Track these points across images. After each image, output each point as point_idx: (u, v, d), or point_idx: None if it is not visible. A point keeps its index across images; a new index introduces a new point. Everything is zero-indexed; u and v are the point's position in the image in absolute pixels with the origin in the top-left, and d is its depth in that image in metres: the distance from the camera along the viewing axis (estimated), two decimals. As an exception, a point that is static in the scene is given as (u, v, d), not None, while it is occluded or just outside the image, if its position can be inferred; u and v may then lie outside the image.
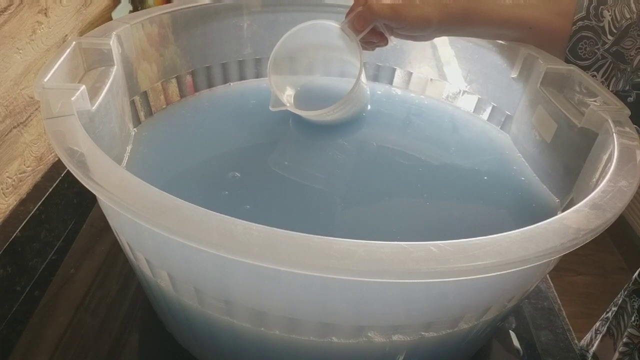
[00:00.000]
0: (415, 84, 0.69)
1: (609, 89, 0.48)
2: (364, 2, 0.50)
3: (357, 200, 0.49)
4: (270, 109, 0.55)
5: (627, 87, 0.49)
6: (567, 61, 0.50)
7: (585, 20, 0.47)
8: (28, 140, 0.59)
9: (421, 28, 0.49)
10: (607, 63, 0.47)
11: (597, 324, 0.62)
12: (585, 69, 0.49)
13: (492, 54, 0.60)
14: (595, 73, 0.48)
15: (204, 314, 0.36)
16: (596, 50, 0.47)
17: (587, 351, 0.61)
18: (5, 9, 0.53)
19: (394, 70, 0.70)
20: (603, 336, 0.59)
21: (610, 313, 0.59)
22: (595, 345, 0.59)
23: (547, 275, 0.55)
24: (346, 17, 0.52)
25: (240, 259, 0.27)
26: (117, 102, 0.48)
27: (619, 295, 0.60)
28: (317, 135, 0.58)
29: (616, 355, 0.54)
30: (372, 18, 0.49)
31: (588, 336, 0.63)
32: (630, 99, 0.49)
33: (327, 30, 0.54)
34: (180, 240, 0.28)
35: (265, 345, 0.37)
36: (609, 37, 0.46)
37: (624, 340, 0.54)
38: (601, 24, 0.46)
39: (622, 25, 0.46)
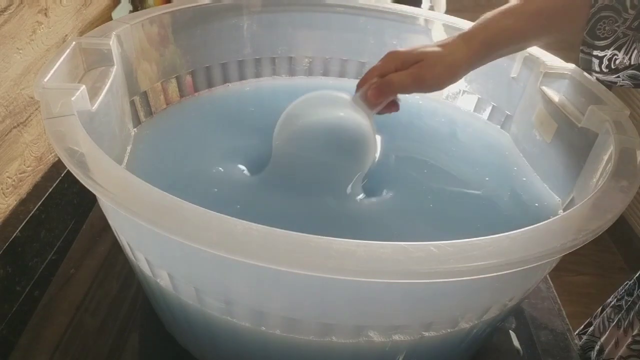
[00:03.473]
0: (415, 84, 0.69)
1: (630, 63, 0.46)
2: (379, 72, 0.47)
3: (357, 200, 0.49)
4: None
5: None
6: (585, 42, 0.48)
7: (605, 0, 0.46)
8: (28, 140, 0.59)
9: (450, 83, 0.47)
10: (628, 40, 0.46)
11: (609, 310, 0.61)
12: (604, 48, 0.47)
13: (492, 54, 0.60)
14: (616, 52, 0.46)
15: (204, 314, 0.36)
16: (616, 28, 0.45)
17: (599, 337, 0.60)
18: (5, 9, 0.53)
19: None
20: (612, 328, 0.58)
21: (623, 301, 0.58)
22: (605, 336, 0.58)
23: (547, 275, 0.55)
24: (358, 88, 0.48)
25: (240, 259, 0.27)
26: (117, 102, 0.48)
27: (629, 285, 0.59)
28: (317, 135, 0.58)
29: (627, 351, 0.54)
30: (392, 92, 0.46)
31: (598, 322, 0.62)
32: None
33: (336, 101, 0.50)
34: (180, 240, 0.28)
35: (265, 345, 0.37)
36: (630, 11, 0.45)
37: (637, 337, 0.53)
38: (621, 0, 0.45)
39: None
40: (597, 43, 0.46)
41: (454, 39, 0.47)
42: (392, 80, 0.46)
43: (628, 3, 0.45)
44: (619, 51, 0.46)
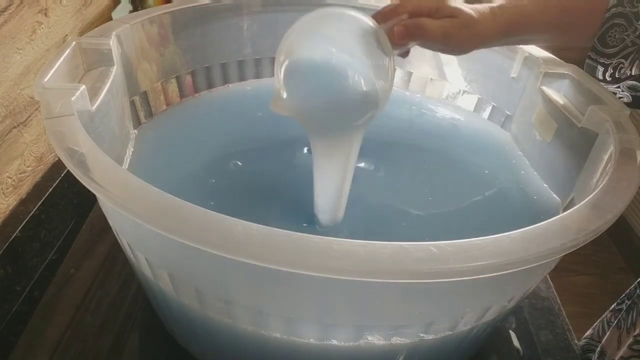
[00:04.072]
0: (415, 84, 0.69)
1: (631, 73, 0.46)
2: (410, 10, 0.44)
3: (356, 200, 0.49)
4: (271, 108, 0.47)
5: None
6: (593, 49, 0.48)
7: (619, 7, 0.46)
8: (28, 140, 0.59)
9: (468, 52, 0.46)
10: (635, 50, 0.46)
11: (608, 314, 0.61)
12: (611, 56, 0.47)
13: (492, 53, 0.60)
14: (622, 60, 0.46)
15: (204, 315, 0.36)
16: (625, 37, 0.45)
17: (598, 341, 0.60)
18: (5, 9, 0.53)
19: (394, 70, 0.70)
20: (612, 329, 0.58)
21: (623, 305, 0.59)
22: (605, 338, 0.59)
23: (547, 275, 0.55)
24: (381, 14, 0.44)
25: (240, 259, 0.27)
26: (117, 102, 0.48)
27: (630, 290, 0.59)
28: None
29: (628, 352, 0.54)
30: (419, 37, 0.43)
31: (598, 326, 0.62)
32: None
33: (358, 28, 0.44)
34: (180, 240, 0.28)
35: (265, 345, 0.37)
36: None
37: (638, 338, 0.53)
38: (635, 9, 0.45)
39: None
40: (606, 51, 0.46)
41: (485, 9, 0.45)
42: (424, 25, 0.42)
43: None
44: (626, 60, 0.46)
